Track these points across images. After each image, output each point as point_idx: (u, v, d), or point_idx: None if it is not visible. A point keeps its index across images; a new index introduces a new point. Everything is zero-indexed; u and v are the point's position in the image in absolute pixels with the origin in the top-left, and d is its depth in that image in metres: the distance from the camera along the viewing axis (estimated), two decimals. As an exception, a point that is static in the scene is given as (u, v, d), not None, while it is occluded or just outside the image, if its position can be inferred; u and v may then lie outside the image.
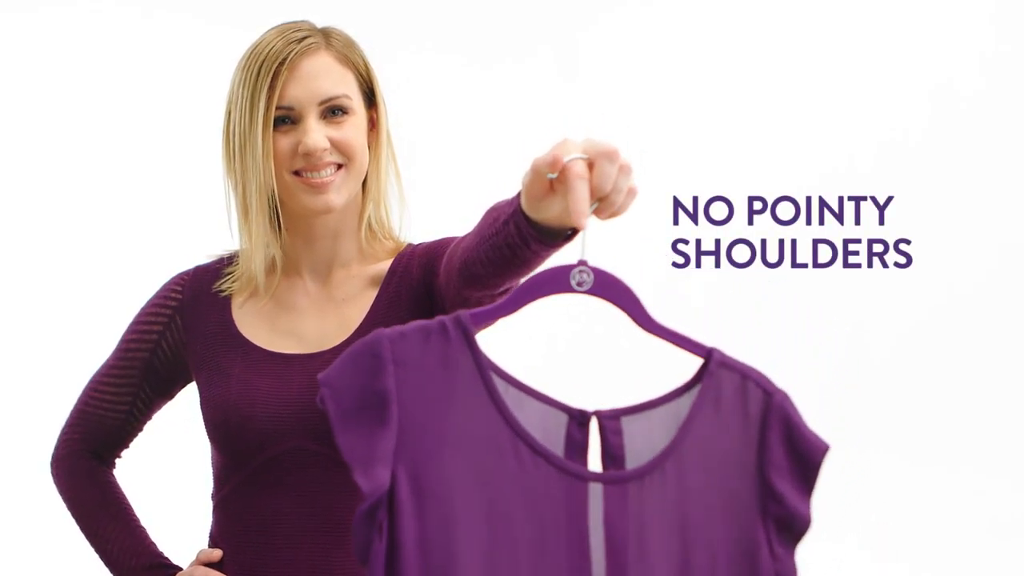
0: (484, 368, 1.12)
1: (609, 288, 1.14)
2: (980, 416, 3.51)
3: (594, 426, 1.14)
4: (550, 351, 3.40)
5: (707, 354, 1.15)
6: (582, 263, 1.13)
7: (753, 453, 1.14)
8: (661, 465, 1.13)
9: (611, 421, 1.14)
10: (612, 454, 1.13)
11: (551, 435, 1.13)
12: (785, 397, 1.16)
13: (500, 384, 1.12)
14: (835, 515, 2.39)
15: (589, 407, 1.15)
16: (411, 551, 1.08)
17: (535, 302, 1.15)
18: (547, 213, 1.17)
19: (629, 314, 1.14)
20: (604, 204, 1.11)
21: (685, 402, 1.14)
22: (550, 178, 1.12)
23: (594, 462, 1.14)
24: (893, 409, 3.52)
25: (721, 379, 1.14)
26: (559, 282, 1.13)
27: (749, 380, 1.15)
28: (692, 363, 1.16)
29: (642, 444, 1.13)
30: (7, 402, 3.30)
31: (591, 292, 1.13)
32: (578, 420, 1.14)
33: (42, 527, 2.69)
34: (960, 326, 3.54)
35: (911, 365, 3.54)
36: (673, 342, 1.14)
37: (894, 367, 3.55)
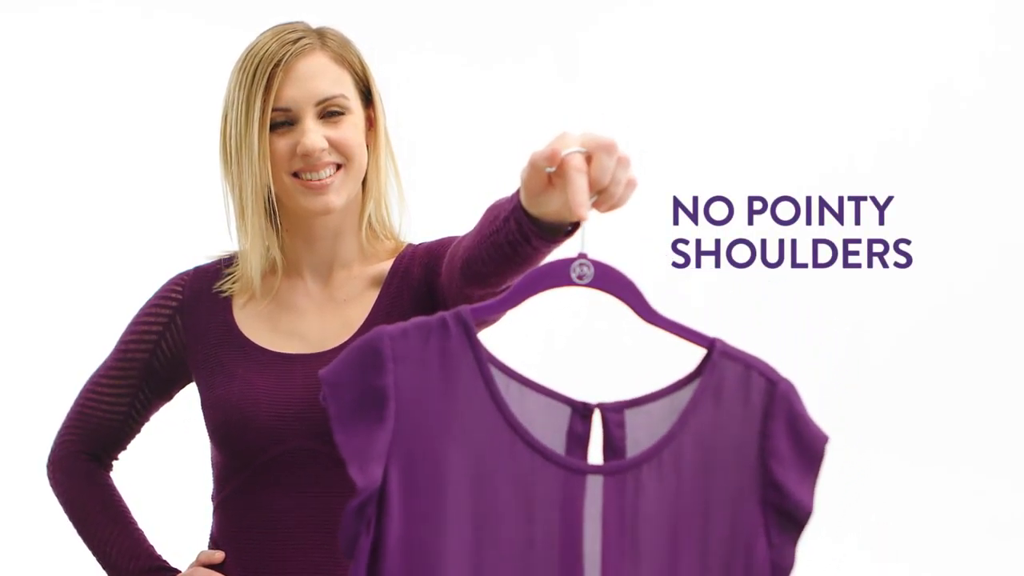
0: (484, 363, 1.12)
1: (610, 280, 1.13)
2: (980, 416, 3.51)
3: (596, 419, 1.13)
4: (551, 346, 3.40)
5: (710, 344, 1.15)
6: (582, 256, 1.13)
7: (754, 442, 1.14)
8: (658, 455, 1.13)
9: (614, 414, 1.14)
10: (614, 447, 1.13)
11: (553, 429, 1.13)
12: (790, 386, 1.15)
13: (501, 379, 1.12)
14: (835, 515, 2.39)
15: (593, 400, 1.14)
16: (394, 548, 1.08)
17: (536, 296, 1.15)
18: (546, 208, 1.17)
19: (630, 306, 1.14)
20: (603, 196, 1.11)
21: (686, 393, 1.14)
22: (548, 172, 1.12)
23: (596, 455, 1.13)
24: (893, 409, 3.52)
25: (724, 369, 1.14)
26: (559, 275, 1.13)
27: (753, 370, 1.15)
28: (696, 355, 1.16)
29: (643, 436, 1.13)
30: (7, 402, 3.29)
31: (592, 285, 1.13)
32: (581, 413, 1.14)
33: (42, 528, 2.69)
34: (960, 326, 3.54)
35: (911, 365, 3.54)
36: (675, 333, 1.14)
37: (894, 367, 3.55)
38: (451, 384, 1.11)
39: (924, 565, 3.36)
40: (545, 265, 1.14)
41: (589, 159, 1.09)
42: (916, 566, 3.37)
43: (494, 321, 1.49)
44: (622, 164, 1.10)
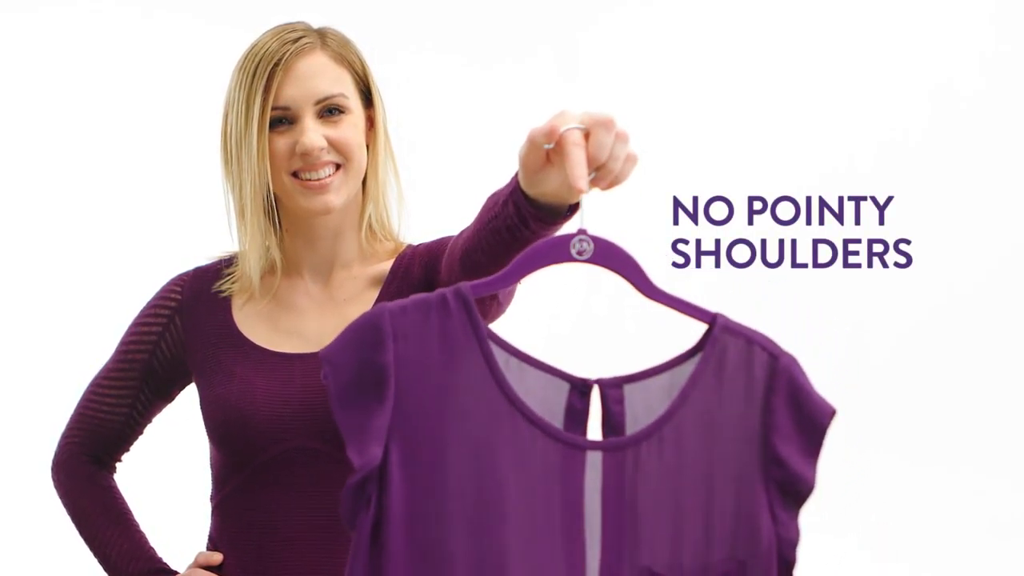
0: (484, 340, 1.11)
1: (610, 256, 1.13)
2: (980, 416, 3.51)
3: (595, 395, 1.13)
4: (553, 324, 3.41)
5: (711, 319, 1.14)
6: (582, 232, 1.12)
7: (756, 417, 1.13)
8: (659, 431, 1.12)
9: (613, 389, 1.13)
10: (613, 422, 1.13)
11: (552, 405, 1.13)
12: (792, 360, 1.15)
13: (500, 355, 1.12)
14: (835, 514, 2.39)
15: (592, 376, 1.14)
16: (397, 524, 1.08)
17: (536, 272, 1.14)
18: (545, 187, 1.17)
19: (631, 281, 1.14)
20: (602, 172, 1.11)
21: (687, 368, 1.14)
22: (547, 149, 1.12)
23: (595, 431, 1.13)
24: (893, 409, 3.52)
25: (725, 344, 1.14)
26: (559, 252, 1.13)
27: (754, 344, 1.14)
28: (698, 330, 1.15)
29: (643, 411, 1.13)
30: (7, 404, 3.29)
31: (592, 261, 1.12)
32: (580, 389, 1.13)
33: (42, 530, 2.69)
34: (960, 326, 3.54)
35: (911, 365, 3.54)
36: (676, 308, 1.14)
37: (894, 367, 3.55)
38: (451, 360, 1.10)
39: (924, 565, 3.36)
40: (545, 241, 1.13)
41: (588, 136, 1.09)
42: (916, 566, 3.37)
43: (498, 315, 1.49)
44: (620, 139, 1.10)
